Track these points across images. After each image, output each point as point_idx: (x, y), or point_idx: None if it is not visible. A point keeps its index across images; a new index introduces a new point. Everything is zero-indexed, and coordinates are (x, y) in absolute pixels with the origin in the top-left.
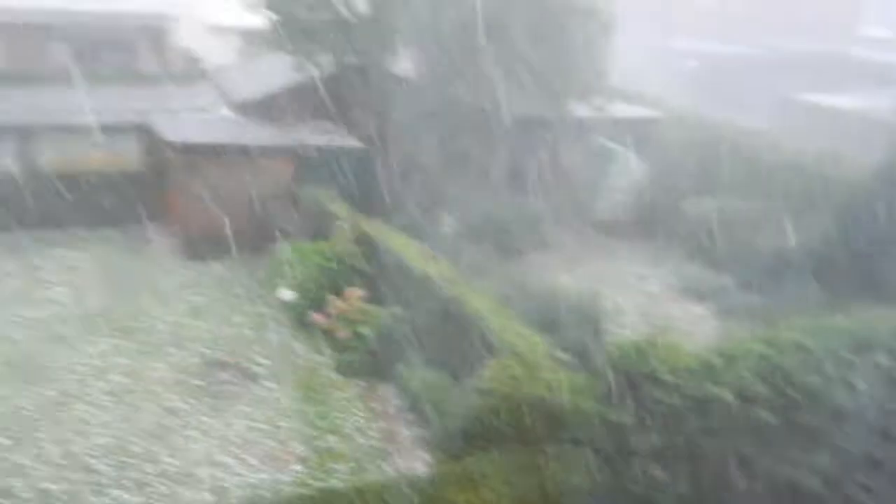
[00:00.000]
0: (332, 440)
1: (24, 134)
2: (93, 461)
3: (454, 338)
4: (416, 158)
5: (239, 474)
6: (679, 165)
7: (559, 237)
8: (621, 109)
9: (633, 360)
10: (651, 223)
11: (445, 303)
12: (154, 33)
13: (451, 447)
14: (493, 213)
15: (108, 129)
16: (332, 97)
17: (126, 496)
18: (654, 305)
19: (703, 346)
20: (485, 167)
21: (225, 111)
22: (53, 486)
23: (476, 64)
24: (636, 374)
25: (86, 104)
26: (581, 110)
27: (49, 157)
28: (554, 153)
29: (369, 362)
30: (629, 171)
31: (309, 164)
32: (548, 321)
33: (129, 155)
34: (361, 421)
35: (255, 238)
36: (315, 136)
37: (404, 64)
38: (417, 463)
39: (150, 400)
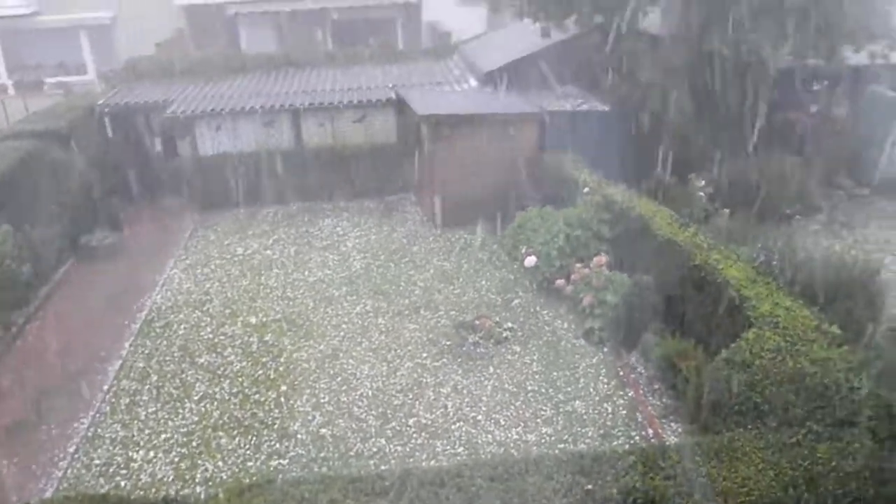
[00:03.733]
0: (578, 405)
1: (295, 114)
2: (359, 411)
3: (705, 307)
4: (666, 119)
5: (489, 431)
6: None
7: (829, 199)
8: None
9: None
10: None
11: (696, 270)
12: (407, 11)
13: (703, 420)
14: (753, 174)
15: (367, 106)
16: (578, 60)
17: (388, 445)
18: None
19: None
20: (743, 125)
21: (473, 81)
22: (326, 432)
23: (733, 13)
24: None
25: (348, 83)
26: (858, 57)
27: (315, 133)
28: (824, 107)
29: (614, 329)
30: None
31: (555, 130)
32: (815, 292)
33: (385, 129)
34: (607, 388)
35: (502, 205)
36: (560, 100)
37: (653, 20)
38: (667, 433)
39: (406, 358)
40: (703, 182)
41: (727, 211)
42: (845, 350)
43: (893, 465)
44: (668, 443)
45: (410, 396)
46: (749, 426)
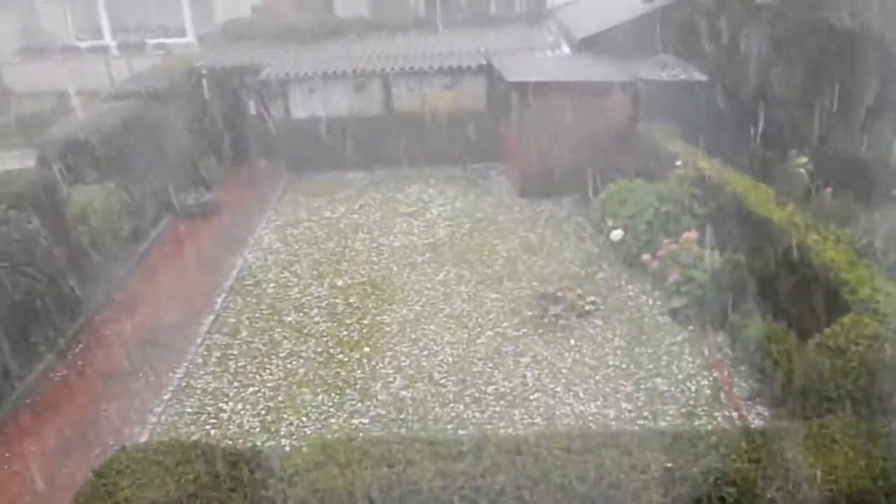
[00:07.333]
0: (660, 382)
1: (385, 79)
2: (439, 376)
3: (799, 289)
4: (768, 92)
5: (568, 403)
6: None
7: None
8: None
9: None
10: None
11: (791, 251)
12: None
13: (790, 405)
14: (857, 154)
15: (458, 72)
16: (677, 28)
17: (466, 411)
18: None
19: None
20: (851, 101)
21: (566, 48)
22: (406, 394)
23: None
24: None
25: (438, 48)
26: None
27: (404, 99)
28: None
29: (701, 308)
30: None
31: (649, 100)
32: None
33: (475, 95)
34: (691, 367)
35: (590, 176)
36: (656, 70)
37: None
38: (752, 416)
39: (487, 326)
40: (804, 159)
41: (829, 190)
42: None
43: None
44: (752, 426)
45: (490, 365)
46: (840, 413)
